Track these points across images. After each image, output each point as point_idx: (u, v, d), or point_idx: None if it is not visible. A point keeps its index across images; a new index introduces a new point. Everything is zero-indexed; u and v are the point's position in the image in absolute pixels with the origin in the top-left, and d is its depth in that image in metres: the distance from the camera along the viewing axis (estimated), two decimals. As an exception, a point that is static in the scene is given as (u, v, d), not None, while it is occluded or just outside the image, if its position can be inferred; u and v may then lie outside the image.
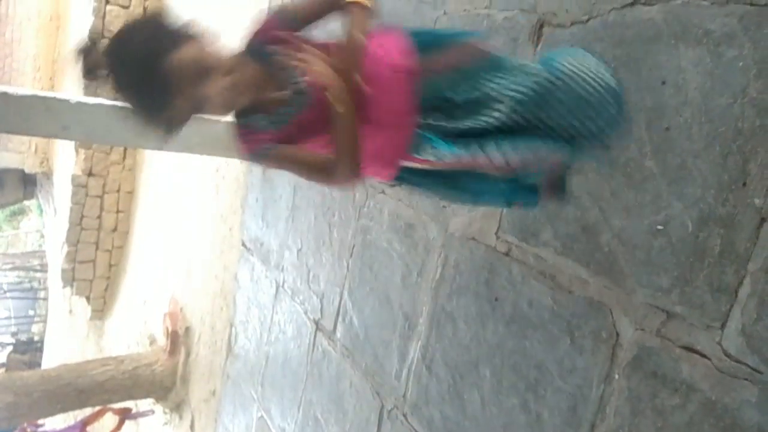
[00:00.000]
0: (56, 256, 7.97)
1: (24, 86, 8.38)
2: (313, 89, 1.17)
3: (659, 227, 1.30)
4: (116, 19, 5.45)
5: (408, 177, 1.36)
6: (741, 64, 1.17)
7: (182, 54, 1.07)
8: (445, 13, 1.97)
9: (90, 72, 1.09)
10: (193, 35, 1.12)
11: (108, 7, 5.40)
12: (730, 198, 1.18)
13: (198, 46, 1.11)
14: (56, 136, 2.80)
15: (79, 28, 6.49)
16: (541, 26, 1.61)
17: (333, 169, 1.19)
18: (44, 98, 2.61)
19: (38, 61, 8.56)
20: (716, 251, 1.20)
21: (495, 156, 1.19)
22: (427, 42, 1.24)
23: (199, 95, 1.11)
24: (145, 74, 1.07)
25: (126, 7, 5.48)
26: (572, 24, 1.52)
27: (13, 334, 15.06)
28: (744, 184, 1.16)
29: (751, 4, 1.17)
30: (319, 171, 1.22)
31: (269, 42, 1.20)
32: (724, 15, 1.21)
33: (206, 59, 1.11)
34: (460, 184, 1.36)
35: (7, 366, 12.34)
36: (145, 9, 5.55)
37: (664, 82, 1.30)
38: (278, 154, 1.21)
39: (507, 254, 1.72)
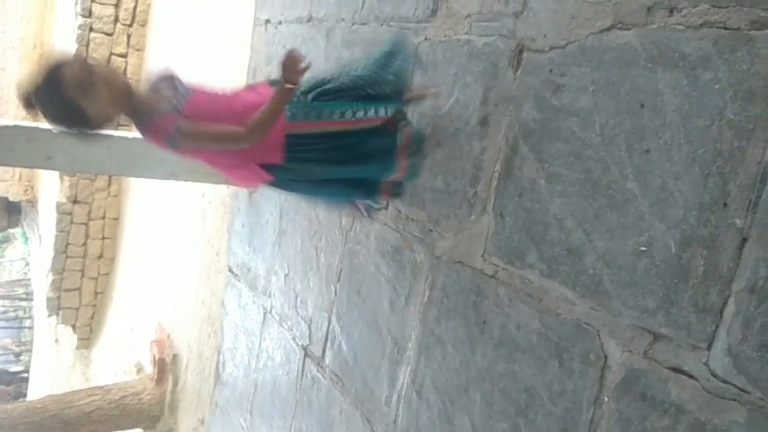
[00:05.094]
0: (41, 285, 7.87)
1: (7, 114, 8.33)
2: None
3: (643, 249, 1.31)
4: (100, 47, 5.46)
5: (282, 182, 1.83)
6: (717, 86, 1.19)
7: (66, 83, 1.47)
8: (426, 39, 1.99)
9: (28, 106, 1.51)
10: (64, 67, 1.49)
11: (92, 35, 5.41)
12: (712, 219, 1.19)
13: (73, 72, 1.48)
14: (40, 167, 2.79)
15: (62, 56, 6.48)
16: (521, 51, 1.63)
17: (242, 136, 1.60)
18: (27, 128, 2.60)
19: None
20: (700, 272, 1.21)
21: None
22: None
23: (91, 95, 1.49)
24: (52, 97, 1.48)
25: (110, 35, 5.49)
26: (551, 49, 1.54)
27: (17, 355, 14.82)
28: (725, 205, 1.17)
29: (725, 28, 1.19)
30: (229, 139, 1.61)
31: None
32: (698, 39, 1.23)
33: (86, 75, 1.49)
34: (322, 189, 1.90)
35: (-8, 398, 12.11)
36: (128, 36, 5.56)
37: (642, 105, 1.32)
38: (190, 128, 1.56)
39: (493, 277, 1.72)
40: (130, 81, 1.61)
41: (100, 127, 1.60)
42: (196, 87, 1.70)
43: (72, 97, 1.48)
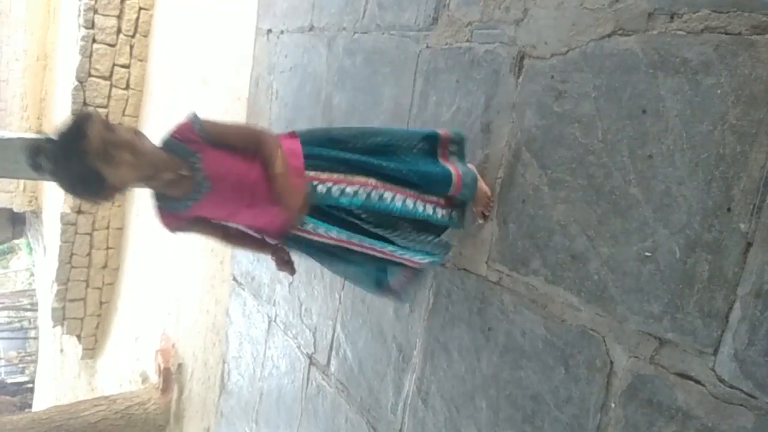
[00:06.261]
0: (46, 295, 7.89)
1: (11, 126, 8.37)
2: (212, 181, 1.44)
3: (647, 254, 1.31)
4: (103, 58, 5.48)
5: (295, 244, 1.64)
6: (719, 91, 1.19)
7: (90, 138, 1.29)
8: (427, 47, 1.99)
9: (36, 167, 1.31)
10: (91, 120, 1.33)
11: (95, 46, 5.43)
12: (716, 224, 1.19)
13: (98, 127, 1.32)
14: (43, 179, 2.79)
15: (66, 68, 6.52)
16: (522, 58, 1.64)
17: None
18: (30, 140, 2.61)
19: (26, 101, 8.57)
20: (705, 277, 1.21)
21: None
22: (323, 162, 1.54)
23: (117, 162, 1.32)
24: (71, 160, 1.30)
25: (113, 46, 5.52)
26: (552, 56, 1.54)
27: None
28: (728, 210, 1.17)
29: (726, 33, 1.19)
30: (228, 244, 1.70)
31: (183, 141, 1.43)
32: (699, 44, 1.23)
33: (110, 134, 1.33)
34: (341, 262, 1.69)
35: (-3, 409, 12.11)
36: (131, 47, 5.59)
37: (644, 111, 1.32)
38: (196, 230, 1.59)
39: (498, 283, 1.72)
40: (154, 145, 1.42)
41: (115, 195, 1.43)
42: (214, 169, 1.46)
43: (94, 162, 1.30)
